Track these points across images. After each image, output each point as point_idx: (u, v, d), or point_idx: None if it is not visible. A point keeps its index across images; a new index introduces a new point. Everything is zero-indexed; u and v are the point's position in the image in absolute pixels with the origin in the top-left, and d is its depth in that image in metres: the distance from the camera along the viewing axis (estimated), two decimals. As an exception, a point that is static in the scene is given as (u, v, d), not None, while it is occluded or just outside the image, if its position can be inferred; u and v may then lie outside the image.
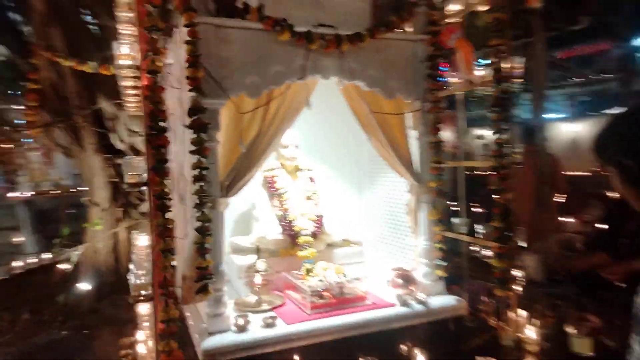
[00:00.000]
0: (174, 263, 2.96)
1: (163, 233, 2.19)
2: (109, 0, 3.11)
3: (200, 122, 2.43)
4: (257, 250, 2.99)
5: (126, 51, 2.29)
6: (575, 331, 2.98)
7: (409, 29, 3.18)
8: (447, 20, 3.26)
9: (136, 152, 4.43)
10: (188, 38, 2.41)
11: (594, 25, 7.15)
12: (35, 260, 5.38)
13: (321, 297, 2.85)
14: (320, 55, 2.75)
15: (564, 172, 5.80)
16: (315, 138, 3.77)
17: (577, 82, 11.42)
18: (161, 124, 2.23)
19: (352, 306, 2.84)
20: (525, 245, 5.23)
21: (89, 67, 3.59)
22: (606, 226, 4.87)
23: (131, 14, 2.88)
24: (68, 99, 4.46)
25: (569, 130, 11.19)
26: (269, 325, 2.61)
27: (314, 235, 3.22)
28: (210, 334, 2.52)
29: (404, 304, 2.88)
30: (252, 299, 2.94)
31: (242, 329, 2.55)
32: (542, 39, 5.14)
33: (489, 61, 2.93)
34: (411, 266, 3.16)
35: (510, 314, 2.96)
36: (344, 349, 2.67)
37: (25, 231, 8.29)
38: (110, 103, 4.27)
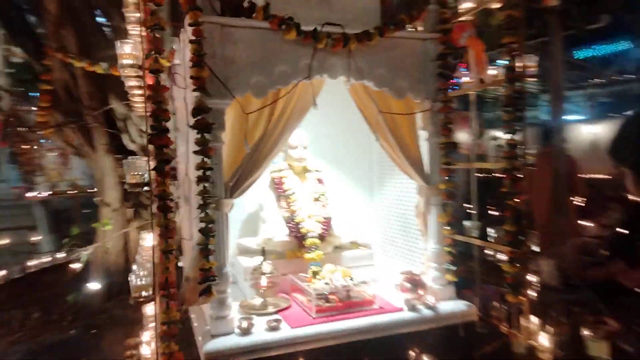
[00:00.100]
0: (180, 264, 2.96)
1: (164, 234, 2.16)
2: (121, 1, 3.14)
3: (205, 122, 2.40)
4: (263, 252, 2.95)
5: (128, 50, 2.27)
6: (592, 334, 2.87)
7: (419, 27, 3.11)
8: (459, 19, 3.18)
9: (147, 152, 4.43)
10: (193, 37, 2.39)
11: (613, 23, 6.97)
12: (49, 259, 5.44)
13: (327, 300, 2.80)
14: (327, 55, 2.71)
15: (582, 175, 5.65)
16: (325, 139, 3.73)
17: (597, 82, 11.16)
18: (164, 123, 2.20)
19: (359, 310, 2.78)
20: (540, 249, 5.11)
21: (100, 68, 3.59)
22: (626, 230, 4.73)
23: (138, 14, 2.87)
24: (80, 99, 4.50)
25: (589, 132, 10.95)
26: (273, 328, 2.56)
27: (322, 237, 3.17)
28: (214, 336, 2.48)
29: (412, 308, 2.81)
30: (258, 301, 2.90)
31: (245, 331, 2.52)
32: (559, 38, 5.00)
33: (505, 61, 2.86)
34: (420, 270, 3.09)
35: (523, 321, 2.87)
36: (350, 353, 2.62)
37: (41, 230, 8.40)
38: (121, 104, 4.28)
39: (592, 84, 11.39)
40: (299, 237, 3.14)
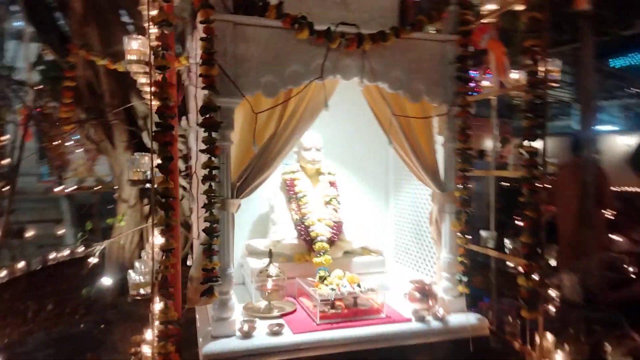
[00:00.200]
0: (189, 263, 2.93)
1: (165, 232, 2.14)
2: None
3: (213, 121, 2.37)
4: (270, 255, 2.90)
5: (136, 46, 2.27)
6: (616, 349, 2.73)
7: (434, 28, 3.02)
8: (481, 21, 3.08)
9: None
10: (204, 35, 2.36)
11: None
12: (68, 252, 5.54)
13: (333, 306, 2.74)
14: (341, 55, 2.65)
15: (613, 187, 5.42)
16: (341, 141, 3.66)
17: (633, 92, 10.74)
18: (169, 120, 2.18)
19: (365, 318, 2.70)
20: (563, 263, 4.91)
21: (122, 66, 3.62)
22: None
23: (154, 12, 2.87)
24: (102, 97, 4.57)
25: (623, 143, 10.53)
26: (275, 333, 2.51)
27: (331, 241, 3.10)
28: (215, 337, 2.45)
29: (421, 319, 2.71)
30: (263, 304, 2.85)
31: (246, 335, 2.47)
32: (591, 44, 4.80)
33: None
34: (431, 280, 2.99)
35: (538, 338, 2.73)
36: (353, 363, 2.54)
37: (66, 224, 8.59)
38: (142, 102, 4.32)
39: (627, 94, 10.97)
40: (308, 241, 3.08)
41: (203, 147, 2.36)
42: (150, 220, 4.75)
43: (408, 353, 2.61)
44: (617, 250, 5.23)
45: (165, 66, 2.14)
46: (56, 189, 9.54)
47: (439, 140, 2.97)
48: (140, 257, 4.72)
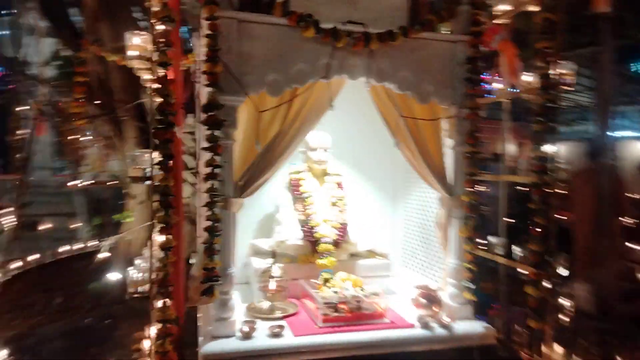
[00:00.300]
0: (192, 261, 2.92)
1: (164, 230, 2.12)
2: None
3: (215, 119, 2.35)
4: (273, 255, 2.87)
5: (137, 42, 2.25)
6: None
7: (448, 29, 2.96)
8: (494, 21, 3.00)
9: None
10: (208, 32, 2.34)
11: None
12: (80, 246, 5.60)
13: (336, 310, 2.69)
14: (347, 54, 2.60)
15: (630, 194, 5.27)
16: (349, 142, 3.61)
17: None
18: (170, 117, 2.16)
19: (368, 323, 2.65)
20: (577, 272, 4.79)
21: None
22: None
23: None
24: (113, 92, 4.60)
25: (644, 149, 10.28)
26: (275, 334, 2.48)
27: (336, 243, 3.06)
28: (215, 337, 2.43)
29: (425, 326, 2.65)
30: (265, 304, 2.83)
31: (247, 335, 2.44)
32: (611, 48, 4.68)
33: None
34: (437, 285, 2.92)
35: (546, 348, 2.66)
36: (354, 368, 2.50)
37: (80, 218, 8.68)
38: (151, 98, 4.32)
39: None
40: (312, 242, 3.04)
41: (206, 145, 2.34)
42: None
43: (411, 359, 2.56)
44: (634, 260, 5.08)
45: (167, 62, 2.12)
46: (70, 183, 9.67)
47: (448, 143, 2.90)
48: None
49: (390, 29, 2.61)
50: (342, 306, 2.71)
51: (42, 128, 5.19)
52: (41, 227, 8.04)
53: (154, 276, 2.26)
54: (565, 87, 2.72)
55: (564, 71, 2.67)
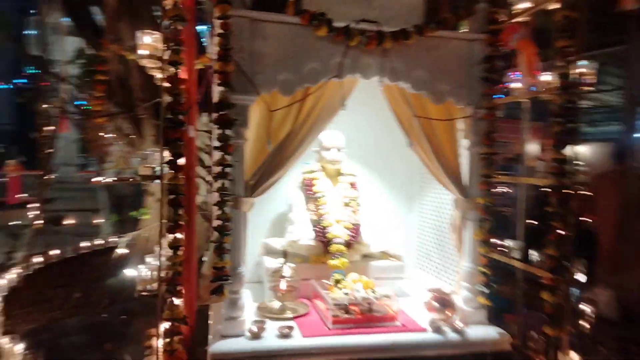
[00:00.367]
0: (204, 258, 2.93)
1: (173, 229, 2.13)
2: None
3: (227, 118, 2.35)
4: (284, 255, 2.86)
5: (148, 41, 2.26)
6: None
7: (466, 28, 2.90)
8: (515, 19, 2.93)
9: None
10: (220, 31, 2.34)
11: None
12: (101, 242, 5.70)
13: (347, 311, 2.67)
14: (361, 53, 2.57)
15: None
16: (364, 142, 3.57)
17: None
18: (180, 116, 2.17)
19: (379, 326, 2.61)
20: (600, 277, 4.66)
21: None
22: None
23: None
24: (132, 91, 4.65)
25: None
26: (284, 335, 2.47)
27: (348, 244, 3.03)
28: (224, 336, 2.43)
29: (437, 330, 2.60)
30: (276, 304, 2.82)
31: (255, 335, 2.44)
32: (639, 46, 4.53)
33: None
34: (451, 289, 2.87)
35: (561, 356, 2.58)
36: (363, 371, 2.47)
37: (103, 214, 8.84)
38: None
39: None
40: (324, 242, 3.02)
41: (217, 144, 2.34)
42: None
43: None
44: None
45: (177, 62, 2.12)
46: (93, 179, 9.87)
47: (464, 143, 2.84)
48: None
49: (405, 28, 2.57)
50: (353, 308, 2.68)
51: (64, 125, 5.29)
52: (64, 223, 8.24)
53: (163, 275, 2.28)
54: (586, 87, 2.62)
55: (584, 70, 2.57)
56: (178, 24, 2.12)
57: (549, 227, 2.54)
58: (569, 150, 2.50)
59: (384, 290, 2.75)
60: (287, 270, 2.81)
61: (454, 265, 3.08)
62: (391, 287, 3.04)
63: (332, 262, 2.93)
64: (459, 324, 2.64)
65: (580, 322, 3.52)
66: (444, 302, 2.71)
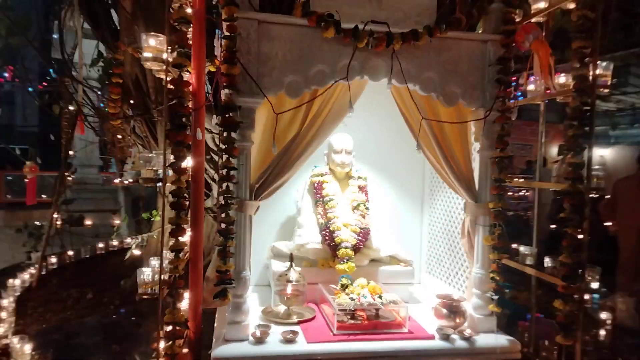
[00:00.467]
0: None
1: (175, 232, 2.12)
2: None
3: (232, 121, 2.33)
4: (291, 258, 2.83)
5: (153, 43, 2.27)
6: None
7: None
8: (528, 20, 2.85)
9: (207, 148, 4.52)
10: (227, 33, 2.33)
11: None
12: (116, 243, 5.77)
13: (353, 317, 2.63)
14: (370, 55, 2.53)
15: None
16: (375, 145, 3.53)
17: None
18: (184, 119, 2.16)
19: (385, 332, 2.56)
20: (622, 283, 4.52)
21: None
22: None
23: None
24: (147, 93, 4.70)
25: None
26: (288, 340, 2.44)
27: (356, 248, 2.98)
28: (227, 341, 2.41)
29: (445, 337, 2.54)
30: (282, 309, 2.79)
31: (259, 340, 2.41)
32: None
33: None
34: (460, 295, 2.80)
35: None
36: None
37: (122, 215, 8.98)
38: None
39: None
40: (332, 246, 2.98)
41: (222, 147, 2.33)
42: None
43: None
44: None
45: (181, 64, 2.12)
46: (116, 181, 10.03)
47: (476, 147, 2.78)
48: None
49: (415, 29, 2.52)
50: (360, 313, 2.64)
51: (82, 127, 5.37)
52: (82, 223, 8.37)
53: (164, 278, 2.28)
54: (602, 89, 2.53)
55: (600, 72, 2.48)
56: (183, 26, 2.11)
57: (564, 233, 2.46)
58: (585, 154, 2.42)
59: (391, 295, 2.70)
60: (293, 274, 2.78)
61: (466, 271, 3.02)
62: (401, 292, 2.99)
63: (339, 266, 2.89)
64: (467, 331, 2.58)
65: (598, 330, 3.42)
66: (452, 309, 2.65)
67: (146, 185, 2.83)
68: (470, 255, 2.80)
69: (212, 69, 2.86)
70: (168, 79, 2.30)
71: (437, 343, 2.52)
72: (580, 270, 2.41)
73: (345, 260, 2.89)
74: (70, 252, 5.12)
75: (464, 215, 2.81)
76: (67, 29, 6.14)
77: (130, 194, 9.36)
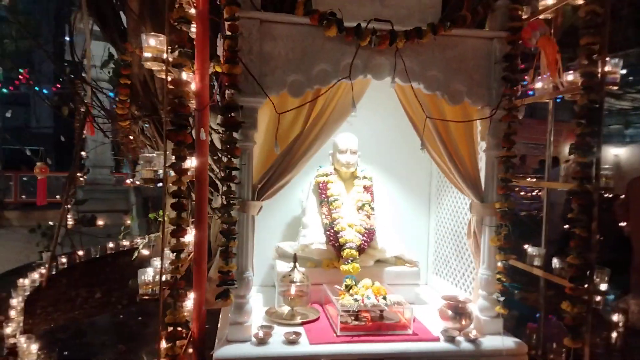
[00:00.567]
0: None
1: (175, 232, 2.12)
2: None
3: (234, 121, 2.32)
4: (295, 259, 2.82)
5: (153, 43, 2.27)
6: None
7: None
8: (534, 16, 2.80)
9: (214, 147, 4.53)
10: (228, 33, 2.32)
11: None
12: (126, 243, 5.80)
13: (357, 318, 2.60)
14: (373, 53, 2.50)
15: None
16: (382, 145, 3.50)
17: None
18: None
19: (389, 334, 2.53)
20: (636, 284, 4.43)
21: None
22: None
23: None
24: (155, 94, 4.71)
25: None
26: (291, 342, 2.42)
27: (361, 249, 2.96)
28: (230, 341, 2.40)
29: (450, 339, 2.51)
30: (286, 309, 2.78)
31: (261, 341, 2.40)
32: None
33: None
34: (466, 297, 2.76)
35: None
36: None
37: (133, 215, 9.05)
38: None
39: None
40: (336, 247, 2.95)
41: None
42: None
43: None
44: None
45: (181, 64, 2.11)
46: (128, 181, 10.12)
47: (483, 146, 2.74)
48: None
49: (419, 26, 2.49)
50: (364, 315, 2.62)
51: (91, 128, 5.41)
52: (95, 223, 8.46)
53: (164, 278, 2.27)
54: (612, 87, 2.48)
55: (609, 69, 2.42)
56: (183, 26, 2.11)
57: (572, 233, 2.41)
58: (594, 153, 2.36)
59: (395, 297, 2.67)
60: (297, 275, 2.76)
61: (473, 272, 2.97)
62: (407, 293, 2.96)
63: (344, 267, 2.87)
64: (473, 333, 2.54)
65: (610, 333, 3.35)
66: (458, 310, 2.61)
67: (146, 185, 2.82)
68: (476, 256, 2.76)
69: (219, 69, 2.86)
70: (169, 79, 2.30)
71: (442, 345, 2.48)
72: (588, 272, 2.35)
73: (349, 261, 2.87)
74: (80, 252, 5.16)
75: (470, 216, 2.76)
76: (78, 32, 6.20)
77: (141, 194, 9.43)
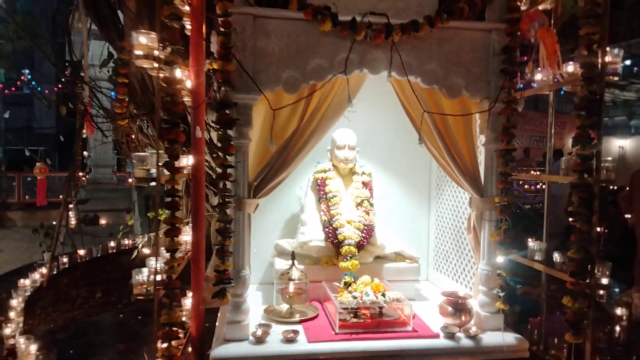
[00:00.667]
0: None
1: (170, 232, 2.10)
2: None
3: (228, 118, 2.30)
4: (293, 256, 2.79)
5: (144, 41, 2.24)
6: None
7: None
8: (532, 7, 2.75)
9: (212, 145, 4.50)
10: (221, 29, 2.29)
11: None
12: (126, 242, 5.79)
13: (356, 315, 2.58)
14: (369, 47, 2.46)
15: None
16: (380, 140, 3.47)
17: None
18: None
19: (388, 331, 2.51)
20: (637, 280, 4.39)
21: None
22: None
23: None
24: (153, 93, 4.68)
25: None
26: (289, 340, 2.40)
27: (360, 245, 2.93)
28: (227, 340, 2.39)
29: (450, 336, 2.48)
30: (284, 307, 2.76)
31: (259, 340, 2.38)
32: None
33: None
34: (466, 293, 2.73)
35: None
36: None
37: (136, 214, 9.04)
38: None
39: None
40: (335, 244, 2.93)
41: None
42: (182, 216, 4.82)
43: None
44: None
45: (172, 61, 2.09)
46: (130, 180, 10.11)
47: (482, 140, 2.70)
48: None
49: (415, 19, 2.45)
50: (363, 312, 2.59)
51: (91, 127, 5.39)
52: (97, 222, 8.46)
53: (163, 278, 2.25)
54: (612, 77, 2.43)
55: (610, 60, 2.38)
56: (174, 23, 2.08)
57: (572, 227, 2.38)
58: (595, 145, 2.32)
59: (395, 293, 2.64)
60: (295, 272, 2.74)
61: (473, 268, 2.94)
62: (407, 290, 2.94)
63: (342, 264, 2.84)
64: (473, 329, 2.51)
65: (613, 327, 3.31)
66: (458, 307, 2.58)
67: (139, 185, 2.81)
68: (476, 251, 2.73)
69: (216, 67, 2.84)
70: (160, 76, 2.27)
71: (442, 342, 2.46)
72: (589, 266, 2.31)
73: (348, 258, 2.85)
74: (82, 252, 5.15)
75: (470, 210, 2.73)
76: (76, 32, 6.18)
77: (142, 193, 9.42)
